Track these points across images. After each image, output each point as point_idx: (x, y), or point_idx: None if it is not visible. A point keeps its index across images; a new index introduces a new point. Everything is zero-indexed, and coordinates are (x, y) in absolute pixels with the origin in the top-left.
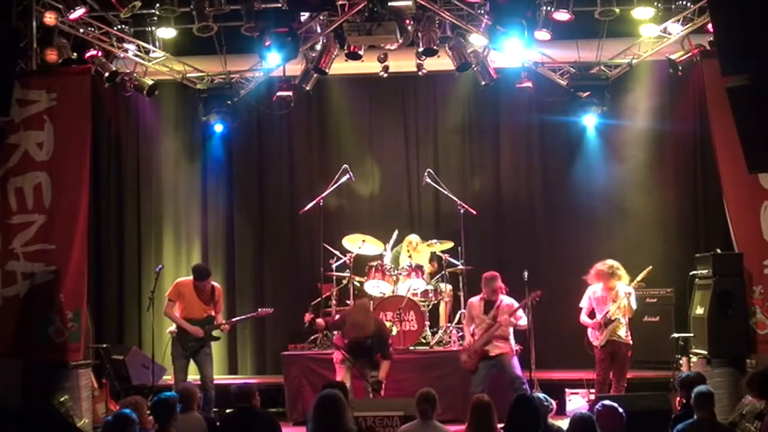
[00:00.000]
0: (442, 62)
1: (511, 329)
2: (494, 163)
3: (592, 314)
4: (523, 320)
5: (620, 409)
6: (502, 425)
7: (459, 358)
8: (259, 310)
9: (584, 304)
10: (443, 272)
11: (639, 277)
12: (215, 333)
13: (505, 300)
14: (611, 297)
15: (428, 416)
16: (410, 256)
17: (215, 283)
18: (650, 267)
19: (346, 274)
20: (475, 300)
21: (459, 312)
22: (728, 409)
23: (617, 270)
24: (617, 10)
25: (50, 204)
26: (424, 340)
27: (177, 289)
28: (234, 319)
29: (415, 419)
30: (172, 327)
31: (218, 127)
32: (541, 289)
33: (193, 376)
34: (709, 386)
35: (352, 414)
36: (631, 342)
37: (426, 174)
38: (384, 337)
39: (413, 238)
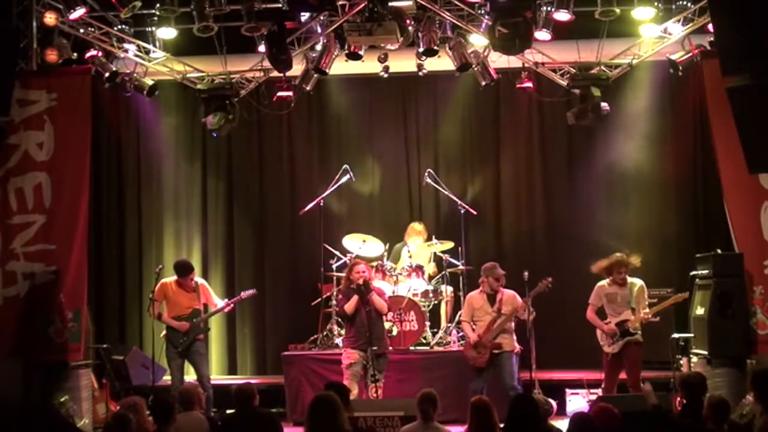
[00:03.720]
0: (442, 62)
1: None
2: (494, 163)
3: (601, 311)
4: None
5: (615, 409)
6: (502, 425)
7: (465, 355)
8: (242, 293)
9: (594, 300)
10: (444, 272)
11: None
12: (204, 324)
13: (507, 291)
14: (622, 295)
15: (429, 417)
16: (410, 255)
17: (200, 279)
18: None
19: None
20: (475, 293)
21: (459, 312)
22: None
23: (619, 262)
24: (617, 11)
25: (50, 204)
26: (424, 341)
27: (162, 290)
28: (214, 310)
29: (416, 420)
30: (165, 330)
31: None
32: (552, 277)
33: (191, 376)
34: (703, 392)
35: (347, 415)
36: (641, 340)
37: (426, 174)
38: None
39: (416, 225)
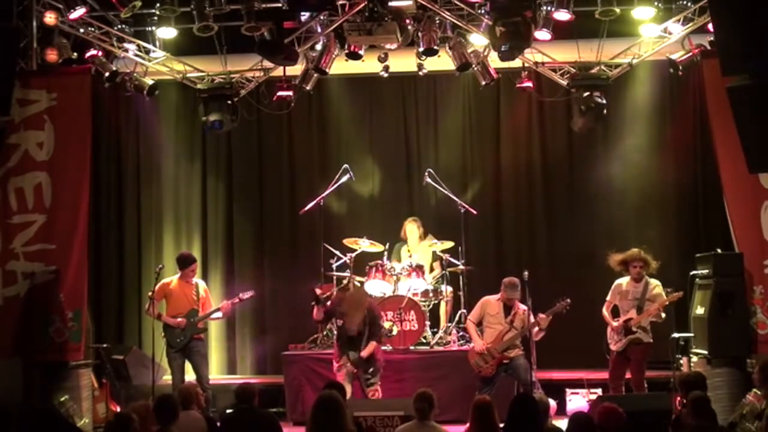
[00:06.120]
0: (442, 62)
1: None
2: (494, 163)
3: (616, 308)
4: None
5: (620, 409)
6: (502, 425)
7: (470, 362)
8: (240, 295)
9: (609, 297)
10: (444, 272)
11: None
12: (201, 325)
13: (522, 306)
14: (633, 293)
15: (426, 416)
16: (410, 255)
17: (202, 284)
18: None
19: (347, 274)
20: (492, 299)
21: (459, 312)
22: (728, 409)
23: (634, 256)
24: (617, 10)
25: (50, 204)
26: (424, 340)
27: (162, 290)
28: (208, 312)
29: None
30: (163, 330)
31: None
32: (568, 297)
33: (191, 376)
34: (703, 392)
35: (351, 415)
36: (650, 341)
37: (426, 174)
38: (375, 324)
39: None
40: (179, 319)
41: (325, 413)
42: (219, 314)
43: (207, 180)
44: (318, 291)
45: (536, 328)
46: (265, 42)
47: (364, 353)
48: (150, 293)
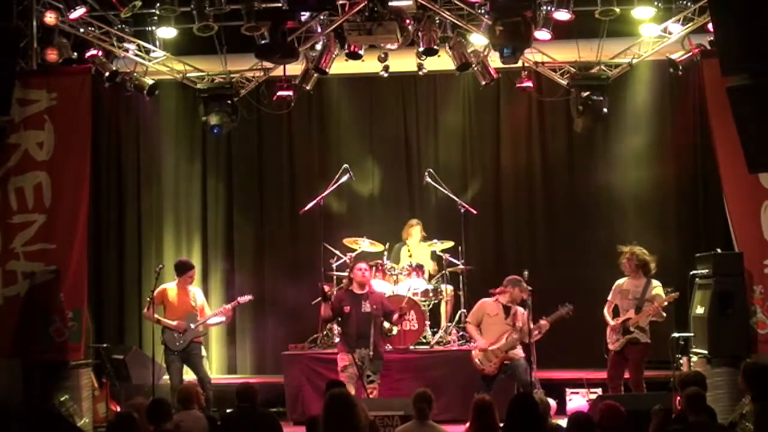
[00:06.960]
0: (442, 62)
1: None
2: (494, 162)
3: (617, 309)
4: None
5: (621, 408)
6: (502, 424)
7: (473, 360)
8: (239, 298)
9: (610, 297)
10: (444, 272)
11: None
12: (201, 328)
13: (520, 309)
14: (633, 293)
15: (425, 416)
16: (410, 255)
17: (200, 296)
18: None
19: (347, 273)
20: (489, 300)
21: (459, 312)
22: (728, 409)
23: (623, 250)
24: (617, 10)
25: (50, 204)
26: (424, 340)
27: (161, 295)
28: (208, 316)
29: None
30: (162, 334)
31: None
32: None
33: (190, 376)
34: (699, 388)
35: (364, 410)
36: (648, 341)
37: (426, 174)
38: (387, 311)
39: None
40: (179, 322)
41: (339, 410)
42: (218, 319)
43: (207, 180)
44: (326, 288)
45: (536, 332)
46: (263, 46)
47: (396, 318)
48: (149, 296)
